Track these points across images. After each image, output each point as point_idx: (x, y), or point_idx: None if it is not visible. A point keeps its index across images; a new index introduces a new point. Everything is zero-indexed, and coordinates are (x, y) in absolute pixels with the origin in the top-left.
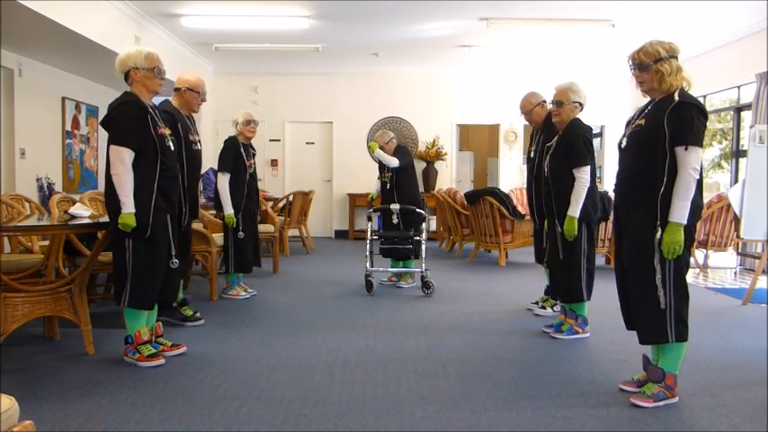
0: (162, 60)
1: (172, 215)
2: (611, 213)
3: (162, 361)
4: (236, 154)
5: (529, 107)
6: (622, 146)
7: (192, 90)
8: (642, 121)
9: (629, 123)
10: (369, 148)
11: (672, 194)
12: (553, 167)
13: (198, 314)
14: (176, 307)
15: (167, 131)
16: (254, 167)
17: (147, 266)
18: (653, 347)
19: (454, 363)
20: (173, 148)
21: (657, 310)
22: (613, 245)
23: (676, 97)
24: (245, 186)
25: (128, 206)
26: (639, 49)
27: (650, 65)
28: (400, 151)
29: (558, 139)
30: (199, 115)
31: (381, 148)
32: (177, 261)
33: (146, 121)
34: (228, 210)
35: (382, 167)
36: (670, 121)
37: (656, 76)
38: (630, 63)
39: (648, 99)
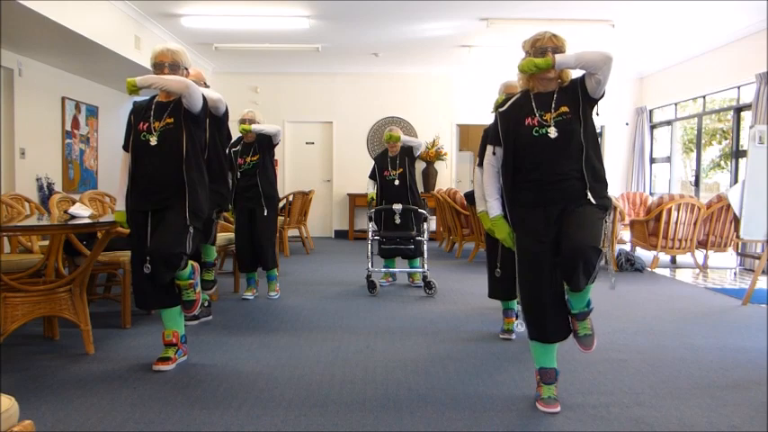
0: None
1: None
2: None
3: (162, 367)
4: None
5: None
6: (552, 136)
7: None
8: (566, 109)
9: (527, 113)
10: (391, 138)
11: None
12: None
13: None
14: None
15: None
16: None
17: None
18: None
19: (454, 363)
20: None
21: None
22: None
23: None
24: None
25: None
26: (552, 35)
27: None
28: (407, 151)
29: None
30: None
31: (388, 140)
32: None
33: None
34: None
35: (387, 165)
36: (585, 112)
37: None
38: (549, 47)
39: (536, 91)
